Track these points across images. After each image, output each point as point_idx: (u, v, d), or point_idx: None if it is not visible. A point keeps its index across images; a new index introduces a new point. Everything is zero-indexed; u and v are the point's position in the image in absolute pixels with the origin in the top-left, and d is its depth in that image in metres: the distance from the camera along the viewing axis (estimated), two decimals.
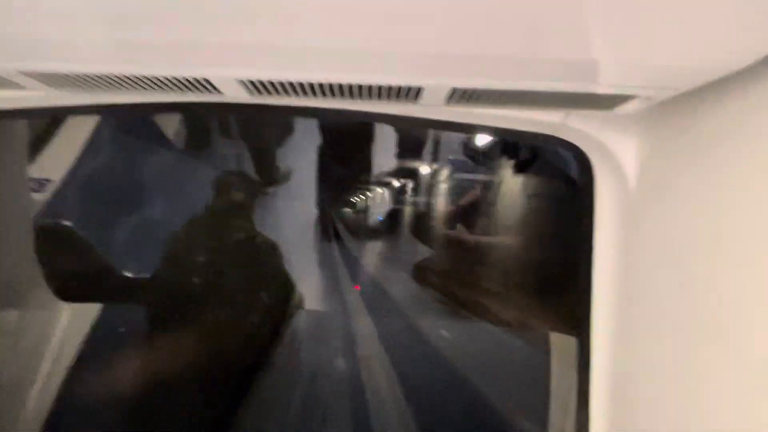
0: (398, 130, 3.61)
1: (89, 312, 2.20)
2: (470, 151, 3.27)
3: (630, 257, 1.04)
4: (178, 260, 2.22)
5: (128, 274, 2.47)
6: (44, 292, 2.09)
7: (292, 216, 3.70)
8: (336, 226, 3.63)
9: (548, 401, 1.85)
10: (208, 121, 3.79)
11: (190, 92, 0.92)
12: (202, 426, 1.92)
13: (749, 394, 0.70)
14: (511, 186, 2.87)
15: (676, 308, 0.87)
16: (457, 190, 3.69)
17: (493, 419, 2.08)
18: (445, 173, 3.82)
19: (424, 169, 3.85)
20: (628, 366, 1.05)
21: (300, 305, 2.62)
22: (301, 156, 3.73)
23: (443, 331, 2.69)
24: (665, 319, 0.91)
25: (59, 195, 2.45)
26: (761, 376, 0.68)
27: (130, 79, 0.85)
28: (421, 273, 3.66)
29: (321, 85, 0.83)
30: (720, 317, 0.76)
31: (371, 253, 3.99)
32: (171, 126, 3.76)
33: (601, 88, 0.77)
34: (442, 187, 3.88)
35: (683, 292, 0.85)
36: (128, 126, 3.09)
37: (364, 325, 2.66)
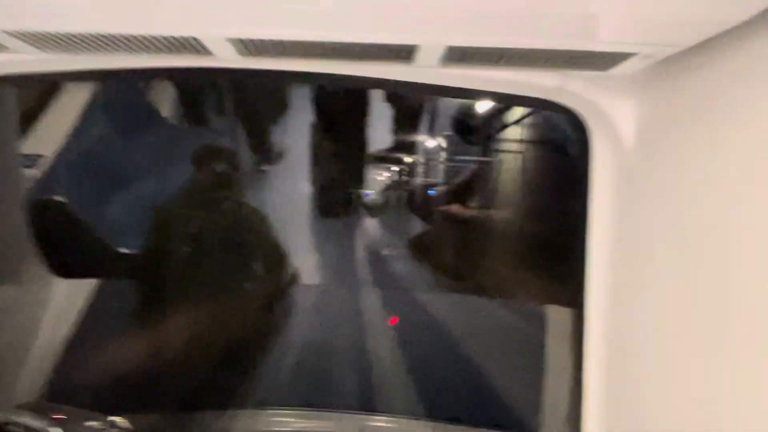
0: (394, 105, 3.58)
1: (84, 287, 2.20)
2: (460, 126, 3.25)
3: (627, 224, 1.03)
4: (167, 232, 2.21)
5: (122, 249, 2.46)
6: (38, 268, 2.08)
7: (287, 192, 3.69)
8: (332, 203, 3.62)
9: (544, 371, 1.86)
10: (202, 98, 3.76)
11: (181, 55, 0.90)
12: (199, 397, 1.93)
13: (745, 359, 0.70)
14: (507, 160, 2.87)
15: (674, 276, 0.86)
16: (454, 167, 3.69)
17: (490, 389, 2.10)
18: (441, 150, 3.80)
19: (420, 146, 3.84)
20: (622, 336, 1.05)
21: (295, 279, 2.62)
22: (297, 133, 3.71)
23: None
24: (664, 288, 0.90)
25: (52, 171, 2.43)
26: (759, 343, 0.68)
27: (119, 40, 0.82)
28: (416, 247, 3.67)
29: (313, 44, 0.81)
30: (721, 284, 0.75)
31: (367, 229, 3.99)
32: (165, 103, 3.72)
33: (600, 46, 0.76)
34: (439, 163, 3.87)
35: (682, 258, 0.84)
36: (121, 102, 3.05)
37: (363, 299, 2.67)
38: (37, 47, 0.89)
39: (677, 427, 0.84)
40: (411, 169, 3.94)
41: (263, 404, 1.87)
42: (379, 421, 1.81)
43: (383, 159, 3.90)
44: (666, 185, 0.90)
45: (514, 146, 2.75)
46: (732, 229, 0.73)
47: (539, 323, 1.96)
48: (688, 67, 0.82)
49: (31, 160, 2.39)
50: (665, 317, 0.89)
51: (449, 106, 3.39)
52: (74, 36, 0.82)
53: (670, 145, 0.89)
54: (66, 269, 2.17)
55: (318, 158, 3.56)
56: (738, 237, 0.72)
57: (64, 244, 2.27)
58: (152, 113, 3.45)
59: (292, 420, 1.76)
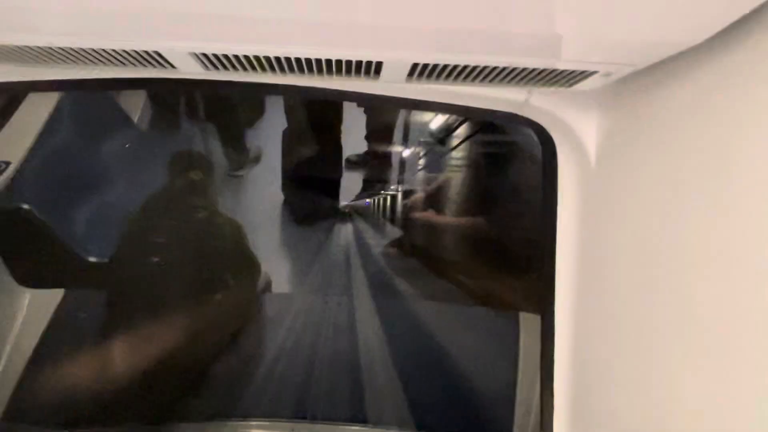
0: (367, 112, 3.57)
1: (51, 298, 2.15)
2: (435, 133, 3.25)
3: (591, 234, 1.05)
4: (138, 242, 2.17)
5: (90, 258, 2.40)
6: (4, 278, 2.03)
7: (261, 199, 3.65)
8: (305, 210, 3.59)
9: (516, 374, 1.88)
10: (173, 102, 3.70)
11: (146, 68, 0.89)
12: (168, 410, 1.90)
13: (708, 363, 0.71)
14: (477, 169, 2.88)
15: (636, 283, 0.88)
16: (427, 175, 3.70)
17: (467, 389, 2.11)
18: (415, 158, 3.81)
19: (395, 153, 3.84)
20: (591, 342, 1.06)
21: (267, 288, 2.59)
22: (272, 138, 3.68)
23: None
24: (627, 295, 0.92)
25: (18, 178, 2.36)
26: (721, 347, 0.69)
27: (84, 52, 0.81)
28: (390, 254, 3.66)
29: (278, 59, 0.80)
30: (680, 291, 0.77)
31: (341, 236, 3.98)
32: (135, 107, 3.66)
33: (562, 64, 0.77)
34: (413, 171, 3.88)
35: (643, 267, 0.86)
36: (89, 107, 2.99)
37: (338, 307, 2.66)
38: (1, 59, 0.87)
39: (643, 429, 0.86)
40: (386, 176, 3.94)
41: (234, 416, 1.85)
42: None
43: (358, 164, 3.88)
44: (628, 196, 0.92)
45: (482, 155, 2.78)
46: (689, 238, 0.75)
47: (513, 330, 1.98)
48: (647, 84, 0.84)
49: None
50: (630, 325, 0.91)
51: (422, 115, 3.41)
52: (39, 49, 0.80)
53: (630, 158, 0.91)
54: (32, 279, 2.12)
55: (292, 164, 3.53)
56: (699, 246, 0.74)
57: (30, 254, 2.21)
58: (122, 119, 3.39)
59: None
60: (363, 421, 1.94)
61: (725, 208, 0.68)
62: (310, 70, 0.85)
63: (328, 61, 0.80)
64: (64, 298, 2.15)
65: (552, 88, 0.90)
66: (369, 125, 3.67)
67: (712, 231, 0.71)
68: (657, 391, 0.82)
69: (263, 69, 0.85)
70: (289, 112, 3.35)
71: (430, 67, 0.81)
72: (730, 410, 0.67)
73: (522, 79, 0.86)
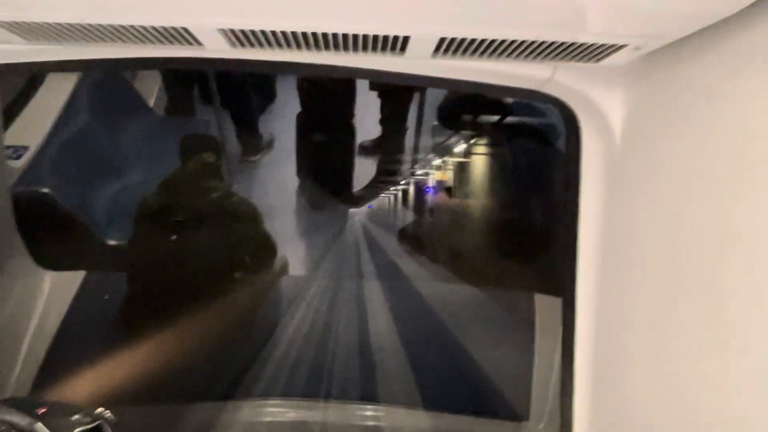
0: (381, 96, 3.54)
1: (73, 279, 2.18)
2: (445, 115, 3.23)
3: (616, 214, 1.04)
4: (155, 224, 2.19)
5: (109, 240, 2.43)
6: (25, 261, 2.06)
7: (276, 183, 3.66)
8: (320, 194, 3.60)
9: (532, 360, 1.88)
10: (189, 88, 3.72)
11: (170, 46, 0.89)
12: (189, 388, 1.93)
13: (735, 347, 0.71)
14: (495, 149, 2.87)
15: (662, 266, 0.87)
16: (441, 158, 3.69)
17: (480, 379, 2.12)
18: (429, 140, 3.80)
19: (409, 136, 3.82)
20: (612, 325, 1.06)
21: (284, 270, 2.61)
22: (285, 122, 3.68)
23: None
24: (650, 277, 0.91)
25: (37, 162, 2.39)
26: (744, 333, 0.69)
27: (106, 30, 0.81)
28: (405, 237, 3.67)
29: (305, 35, 0.80)
30: (706, 274, 0.76)
31: (356, 220, 3.99)
32: (150, 92, 3.68)
33: (590, 37, 0.76)
34: (427, 154, 3.87)
35: (669, 249, 0.85)
36: (106, 91, 3.01)
37: (352, 289, 2.67)
38: (24, 38, 0.88)
39: (666, 417, 0.85)
40: (400, 160, 3.92)
41: (252, 395, 1.87)
42: (373, 411, 1.82)
43: (371, 149, 3.87)
44: (653, 176, 0.91)
45: (502, 135, 2.76)
46: (718, 219, 0.74)
47: (529, 311, 1.98)
48: (676, 59, 0.83)
49: (16, 151, 2.36)
50: (653, 307, 0.90)
51: (436, 96, 3.38)
52: (62, 26, 0.80)
53: (657, 136, 0.90)
54: (53, 261, 2.15)
55: (305, 148, 3.52)
56: (724, 227, 0.73)
57: (50, 236, 2.24)
58: (138, 102, 3.42)
59: (284, 410, 1.77)
60: (374, 400, 1.95)
61: (755, 189, 0.67)
62: (336, 46, 0.85)
63: (355, 37, 0.80)
64: (85, 279, 2.18)
65: (578, 64, 0.89)
66: (383, 110, 3.65)
67: (740, 212, 0.69)
68: (680, 376, 0.81)
69: (289, 45, 0.85)
70: (302, 96, 3.35)
71: (456, 42, 0.81)
72: (756, 396, 0.67)
73: (548, 54, 0.85)
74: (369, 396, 1.98)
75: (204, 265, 2.18)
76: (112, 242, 2.49)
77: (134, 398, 1.72)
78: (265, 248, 2.37)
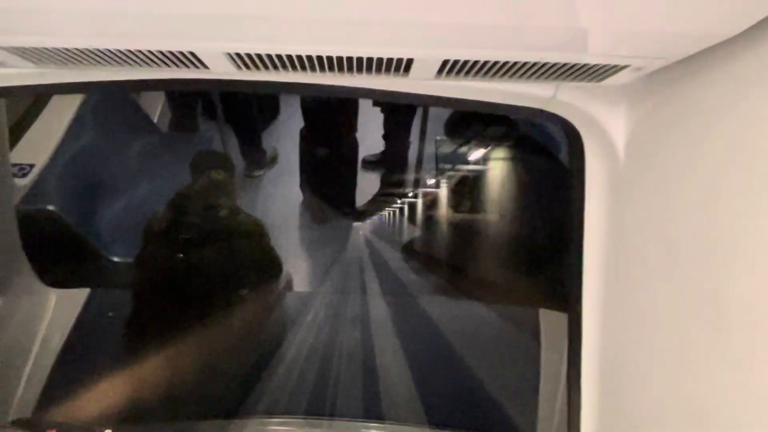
0: (384, 111, 3.57)
1: (77, 297, 2.18)
2: (452, 128, 3.23)
3: (620, 230, 1.05)
4: (162, 241, 2.20)
5: (114, 258, 2.44)
6: (30, 278, 2.07)
7: (279, 198, 3.67)
8: (323, 209, 3.61)
9: (538, 377, 1.87)
10: (192, 104, 3.75)
11: (176, 68, 0.90)
12: (193, 406, 1.92)
13: (743, 364, 0.71)
14: (498, 164, 2.88)
15: (668, 282, 0.87)
16: (445, 172, 3.69)
17: (484, 396, 2.11)
18: (433, 156, 3.80)
19: (412, 152, 3.83)
20: (618, 341, 1.06)
21: (289, 287, 2.61)
22: (289, 138, 3.70)
23: None
24: (656, 293, 0.91)
25: (42, 179, 2.41)
26: (750, 346, 0.69)
27: (114, 54, 0.82)
28: (409, 252, 3.67)
29: (310, 58, 0.81)
30: (714, 292, 0.76)
31: (360, 235, 3.99)
32: (154, 108, 3.71)
33: (592, 58, 0.77)
34: (431, 168, 3.87)
35: (675, 265, 0.85)
36: (111, 109, 3.04)
37: (357, 305, 2.67)
38: (32, 61, 0.89)
39: None
40: (403, 175, 3.93)
41: (256, 413, 1.87)
42: (378, 428, 1.81)
43: (375, 164, 3.88)
44: (657, 193, 0.91)
45: (506, 150, 2.77)
46: (725, 237, 0.74)
47: (533, 327, 1.98)
48: (679, 78, 0.84)
49: (22, 169, 2.38)
50: (660, 323, 0.90)
51: (440, 109, 3.39)
52: (71, 51, 0.82)
53: (661, 154, 0.90)
54: (58, 279, 2.16)
55: (309, 163, 3.54)
56: (732, 245, 0.73)
57: (55, 254, 2.25)
58: (143, 120, 3.45)
59: (288, 428, 1.76)
60: (379, 418, 1.94)
61: (762, 208, 0.67)
62: (341, 68, 0.86)
63: (359, 59, 0.81)
64: (90, 296, 2.18)
65: (581, 83, 0.90)
66: (386, 125, 3.67)
67: (747, 231, 0.70)
68: (691, 393, 0.81)
69: (294, 68, 0.86)
70: (306, 111, 3.37)
71: (460, 64, 0.82)
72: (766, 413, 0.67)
73: (551, 74, 0.86)
74: (374, 414, 1.96)
75: (209, 283, 2.18)
76: (117, 259, 2.50)
77: (138, 417, 1.72)
78: (270, 265, 2.38)
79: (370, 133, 3.69)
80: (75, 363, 2.03)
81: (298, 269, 3.15)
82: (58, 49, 0.81)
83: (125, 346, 2.11)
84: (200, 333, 1.97)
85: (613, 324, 1.07)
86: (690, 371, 0.81)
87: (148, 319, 2.12)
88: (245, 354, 2.12)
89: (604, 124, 1.00)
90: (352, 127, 3.48)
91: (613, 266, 1.07)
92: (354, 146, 3.57)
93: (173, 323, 2.03)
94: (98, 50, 0.81)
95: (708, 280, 0.77)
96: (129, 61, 0.86)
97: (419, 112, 3.64)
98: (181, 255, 2.15)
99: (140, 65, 0.88)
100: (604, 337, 1.10)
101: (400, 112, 3.59)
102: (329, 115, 3.34)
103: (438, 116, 3.47)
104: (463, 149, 3.26)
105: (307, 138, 3.44)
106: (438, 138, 3.66)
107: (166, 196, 2.24)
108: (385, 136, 3.74)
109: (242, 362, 2.09)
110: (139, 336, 2.11)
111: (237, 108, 3.53)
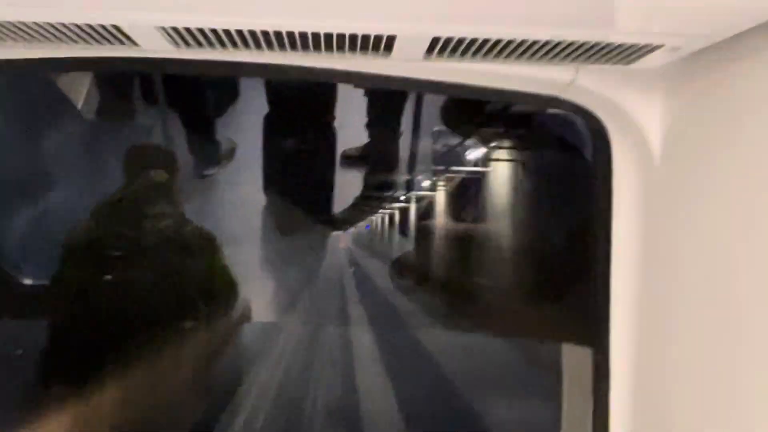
0: (368, 95, 3.56)
1: None
2: (452, 116, 3.22)
3: (655, 247, 1.05)
4: (88, 258, 2.18)
5: (24, 280, 2.41)
6: None
7: (236, 204, 3.65)
8: (292, 216, 3.59)
9: (560, 416, 1.88)
10: (127, 86, 3.71)
11: (100, 45, 0.90)
12: None
13: None
14: (508, 164, 2.89)
15: (713, 311, 0.88)
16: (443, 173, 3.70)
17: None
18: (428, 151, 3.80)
19: (404, 143, 3.82)
20: (654, 381, 1.06)
21: (246, 316, 2.59)
22: (249, 127, 3.68)
23: None
24: (701, 323, 0.92)
25: None
26: None
27: (30, 28, 0.82)
28: (401, 271, 3.66)
29: (267, 34, 0.81)
30: (757, 323, 0.77)
31: (337, 249, 3.98)
32: (78, 91, 3.66)
33: (618, 36, 0.77)
34: (426, 168, 3.87)
35: (722, 289, 0.86)
36: (21, 91, 3.00)
37: (331, 339, 2.66)
38: None
39: None
40: (391, 174, 3.92)
41: None
42: None
43: (356, 159, 3.87)
44: (701, 201, 0.92)
45: (518, 146, 2.78)
46: None
47: (553, 364, 1.98)
48: (723, 61, 0.84)
49: None
50: (704, 360, 0.90)
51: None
52: None
53: (705, 153, 0.91)
54: None
55: (274, 158, 3.51)
56: None
57: None
58: (63, 105, 3.41)
59: None
60: None
61: None
62: (305, 46, 0.86)
63: (328, 36, 0.81)
64: None
65: (606, 66, 0.91)
66: (371, 110, 3.66)
67: None
68: None
69: (247, 45, 0.86)
70: (271, 93, 3.35)
71: (454, 42, 0.82)
72: None
73: (568, 55, 0.86)
74: None
75: (144, 312, 2.16)
76: (27, 282, 2.47)
77: None
78: (223, 289, 2.36)
79: (350, 121, 3.67)
80: None
81: (259, 294, 3.13)
82: None
83: (36, 392, 2.09)
84: (132, 376, 1.95)
85: (649, 361, 1.08)
86: (738, 412, 0.82)
87: (67, 357, 2.10)
88: (188, 404, 2.11)
89: (635, 116, 1.01)
90: (328, 113, 3.47)
91: (647, 290, 1.08)
92: (331, 137, 3.56)
93: (98, 363, 2.01)
94: (8, 22, 0.80)
95: (756, 312, 0.78)
96: (47, 36, 0.85)
97: (412, 94, 3.64)
98: (109, 276, 2.13)
99: (59, 41, 0.88)
100: (637, 377, 1.11)
101: (388, 94, 3.58)
102: (300, 99, 3.32)
103: (436, 100, 3.47)
104: (466, 144, 3.27)
105: (272, 127, 3.42)
106: (435, 129, 3.66)
107: (91, 202, 2.22)
108: (368, 125, 3.72)
109: (184, 416, 2.08)
110: (55, 378, 2.09)
111: (183, 90, 3.50)
